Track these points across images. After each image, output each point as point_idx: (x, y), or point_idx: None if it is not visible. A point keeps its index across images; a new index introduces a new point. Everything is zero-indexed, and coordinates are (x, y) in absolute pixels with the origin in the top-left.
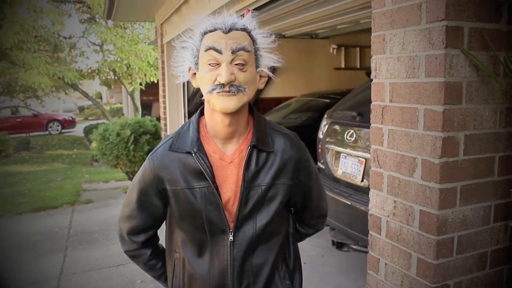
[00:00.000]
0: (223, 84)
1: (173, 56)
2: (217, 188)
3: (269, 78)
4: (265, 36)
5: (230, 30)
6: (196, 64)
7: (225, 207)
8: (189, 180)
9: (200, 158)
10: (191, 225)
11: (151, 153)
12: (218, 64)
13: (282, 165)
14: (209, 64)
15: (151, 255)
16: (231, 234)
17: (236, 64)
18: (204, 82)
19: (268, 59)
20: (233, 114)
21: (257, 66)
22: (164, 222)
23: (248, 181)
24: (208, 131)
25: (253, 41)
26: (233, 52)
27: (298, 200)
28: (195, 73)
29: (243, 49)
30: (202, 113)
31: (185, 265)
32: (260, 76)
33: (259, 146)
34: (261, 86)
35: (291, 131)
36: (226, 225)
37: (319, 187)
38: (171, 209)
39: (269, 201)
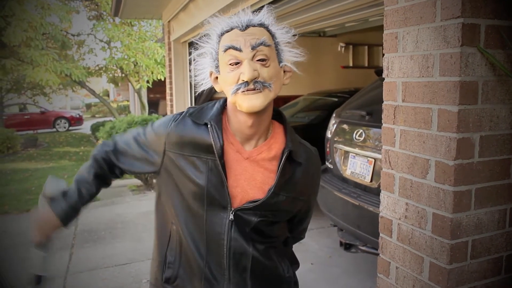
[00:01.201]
0: (247, 82)
1: (194, 65)
2: (223, 166)
3: None
4: (284, 30)
5: (247, 27)
6: (217, 67)
7: (232, 194)
8: (198, 151)
9: (215, 131)
10: (189, 195)
11: (174, 119)
12: (239, 63)
13: (305, 180)
14: (230, 64)
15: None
16: (231, 213)
17: (258, 60)
18: (227, 83)
19: (290, 54)
20: (257, 114)
21: (279, 61)
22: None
23: (278, 188)
24: (230, 124)
25: (272, 35)
26: (253, 48)
27: (301, 213)
28: (217, 77)
29: (263, 43)
30: (224, 105)
31: (181, 239)
32: (284, 71)
33: (293, 155)
34: (287, 82)
35: (313, 147)
36: (227, 202)
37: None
38: (170, 177)
39: (280, 210)
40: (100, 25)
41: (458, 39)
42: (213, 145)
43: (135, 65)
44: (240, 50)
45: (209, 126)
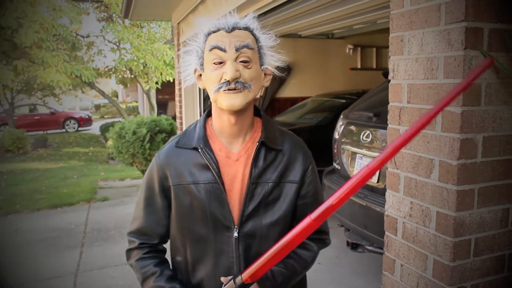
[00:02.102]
0: (228, 81)
1: (178, 62)
2: (222, 184)
3: (284, 79)
4: (267, 35)
5: (233, 29)
6: (202, 65)
7: (230, 204)
8: (194, 175)
9: (207, 153)
10: (195, 222)
11: (158, 151)
12: (222, 63)
13: (290, 164)
14: (214, 63)
15: (145, 259)
16: (235, 230)
17: (240, 62)
18: (210, 81)
19: (272, 58)
20: (239, 113)
21: (261, 64)
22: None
23: (255, 177)
24: (214, 129)
25: (256, 39)
26: (237, 50)
27: (302, 211)
28: (200, 75)
29: (247, 46)
30: (208, 115)
31: (188, 268)
32: (265, 74)
33: (268, 143)
34: (266, 84)
35: (298, 137)
36: (230, 222)
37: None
38: (174, 209)
39: (276, 201)
40: (110, 26)
41: (462, 43)
42: (210, 166)
43: (144, 67)
44: (224, 50)
45: (199, 150)
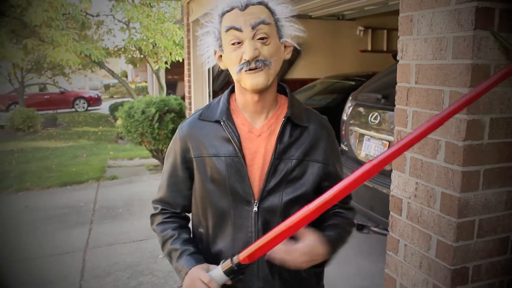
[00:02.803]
0: (248, 61)
1: (196, 44)
2: (243, 158)
3: (295, 59)
4: (283, 5)
5: (246, 6)
6: (221, 46)
7: (250, 179)
8: (215, 148)
9: (229, 126)
10: (215, 195)
11: (181, 123)
12: (241, 42)
13: (314, 142)
14: (232, 44)
15: (166, 223)
16: (255, 205)
17: (258, 39)
18: (230, 62)
19: (290, 28)
20: (262, 91)
21: (280, 37)
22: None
23: (280, 153)
24: (238, 105)
25: (272, 12)
26: (253, 28)
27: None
28: (221, 55)
29: (263, 22)
30: (232, 90)
31: (208, 240)
32: (285, 47)
33: (294, 119)
34: (288, 56)
35: (323, 115)
36: (251, 196)
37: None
38: (196, 181)
39: (298, 179)
40: (119, 5)
41: (472, 23)
42: (231, 139)
43: (153, 46)
44: (240, 30)
45: (222, 123)
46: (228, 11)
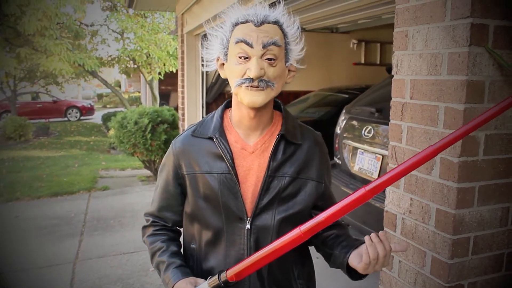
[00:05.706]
0: (252, 78)
1: (204, 45)
2: (236, 175)
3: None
4: (295, 28)
5: (262, 23)
6: (226, 55)
7: (243, 196)
8: (208, 164)
9: (221, 143)
10: (207, 211)
11: (174, 138)
12: (248, 58)
13: (308, 159)
14: (239, 57)
15: (156, 235)
16: (248, 222)
17: (266, 59)
18: (233, 74)
19: (297, 53)
20: (259, 108)
21: (286, 61)
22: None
23: (273, 170)
24: (232, 120)
25: (284, 34)
26: (264, 47)
27: (321, 203)
28: (223, 64)
29: (274, 43)
30: (227, 106)
31: (200, 256)
32: (289, 71)
33: (288, 137)
34: (289, 81)
35: (317, 131)
36: (243, 213)
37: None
38: (189, 197)
39: (291, 196)
40: (114, 16)
41: (467, 39)
42: (223, 155)
43: (147, 57)
44: (251, 46)
45: (214, 140)
46: (242, 23)
